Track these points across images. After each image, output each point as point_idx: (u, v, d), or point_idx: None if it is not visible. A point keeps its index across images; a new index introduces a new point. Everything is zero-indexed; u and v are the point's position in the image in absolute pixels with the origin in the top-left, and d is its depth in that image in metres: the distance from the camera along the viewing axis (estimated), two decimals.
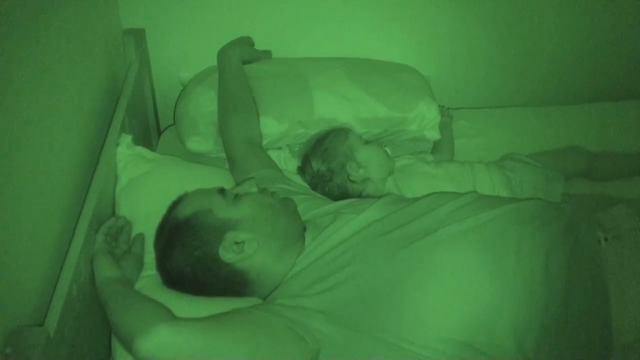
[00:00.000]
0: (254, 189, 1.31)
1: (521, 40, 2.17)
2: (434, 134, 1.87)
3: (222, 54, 1.77)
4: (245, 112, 1.69)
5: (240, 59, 1.77)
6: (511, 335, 1.11)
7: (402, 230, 1.25)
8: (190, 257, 1.22)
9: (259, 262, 1.24)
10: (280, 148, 1.84)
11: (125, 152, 1.53)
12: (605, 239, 1.28)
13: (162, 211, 1.31)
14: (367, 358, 1.11)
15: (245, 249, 1.22)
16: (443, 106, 1.98)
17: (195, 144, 1.76)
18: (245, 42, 1.85)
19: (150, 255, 1.34)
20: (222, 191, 1.28)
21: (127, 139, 1.54)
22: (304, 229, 1.34)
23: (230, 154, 1.64)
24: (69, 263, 1.17)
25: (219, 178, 1.57)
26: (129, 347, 1.02)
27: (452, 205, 1.30)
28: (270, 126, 1.75)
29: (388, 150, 1.75)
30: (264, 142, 1.76)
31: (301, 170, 1.71)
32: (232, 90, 1.71)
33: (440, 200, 1.33)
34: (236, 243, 1.21)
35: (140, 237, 1.40)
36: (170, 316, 1.08)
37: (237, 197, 1.27)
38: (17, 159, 1.05)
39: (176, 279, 1.26)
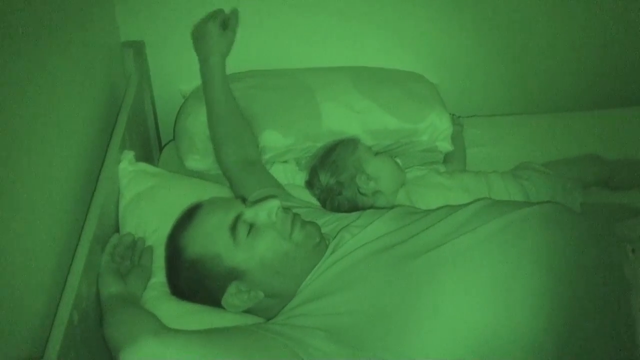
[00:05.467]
0: (274, 216, 1.20)
1: (532, 46, 2.11)
2: (446, 145, 1.82)
3: (204, 62, 1.64)
4: (236, 132, 1.62)
5: (223, 65, 1.64)
6: (528, 354, 1.04)
7: (408, 244, 1.18)
8: (195, 291, 1.22)
9: (264, 303, 1.21)
10: (286, 161, 1.79)
11: (128, 169, 1.48)
12: (633, 250, 1.21)
13: (169, 225, 1.27)
14: None
15: (251, 296, 1.18)
16: (453, 114, 1.92)
17: (193, 162, 1.73)
18: (218, 34, 1.60)
19: (159, 264, 1.32)
20: (236, 222, 1.18)
21: (129, 155, 1.50)
22: (325, 249, 1.26)
23: (227, 176, 1.59)
24: (69, 289, 1.10)
25: (223, 194, 1.52)
26: (116, 357, 1.01)
27: (460, 215, 1.23)
28: (276, 140, 1.70)
29: (399, 161, 1.70)
30: (269, 156, 1.72)
31: (309, 184, 1.66)
32: (219, 111, 1.62)
33: (450, 210, 1.27)
34: (241, 290, 1.18)
35: (149, 249, 1.36)
36: (160, 328, 1.08)
37: (251, 232, 1.17)
38: (16, 177, 0.99)
39: (183, 297, 1.24)
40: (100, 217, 1.27)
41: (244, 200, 1.25)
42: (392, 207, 1.40)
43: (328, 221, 1.37)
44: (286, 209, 1.24)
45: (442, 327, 1.05)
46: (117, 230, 1.44)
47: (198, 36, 1.63)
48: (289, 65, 1.91)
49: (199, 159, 1.72)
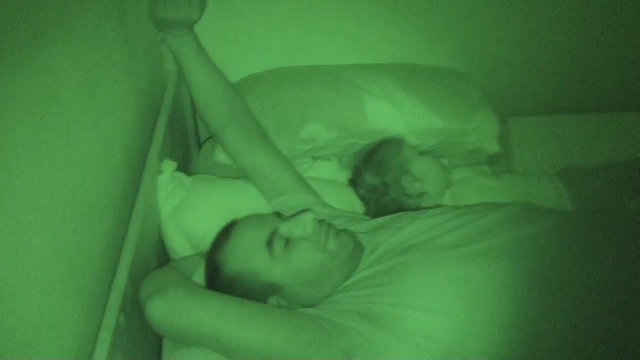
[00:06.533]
0: (309, 229, 1.18)
1: (578, 43, 2.05)
2: (494, 147, 1.78)
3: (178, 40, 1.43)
4: (229, 103, 1.48)
5: (196, 44, 1.45)
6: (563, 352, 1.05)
7: (445, 240, 1.20)
8: None
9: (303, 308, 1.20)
10: (329, 159, 1.76)
11: (168, 181, 1.46)
12: None
13: (215, 229, 1.30)
14: None
15: (290, 307, 1.19)
16: None
17: (221, 155, 1.69)
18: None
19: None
20: (272, 238, 1.17)
21: (171, 167, 1.46)
22: (361, 255, 1.25)
23: (251, 175, 1.49)
24: (116, 291, 1.08)
25: (252, 191, 1.50)
26: (143, 308, 1.06)
27: (498, 215, 1.24)
28: (319, 134, 1.68)
29: (445, 162, 1.68)
30: (310, 148, 1.70)
31: (353, 184, 1.63)
32: (201, 81, 1.46)
33: (488, 210, 1.27)
34: (281, 305, 1.18)
35: None
36: (192, 285, 1.12)
37: (287, 246, 1.17)
38: (57, 177, 0.96)
39: None
40: (143, 221, 1.25)
41: (279, 215, 1.26)
42: (434, 208, 1.37)
43: (364, 226, 1.36)
44: (321, 221, 1.24)
45: (484, 322, 1.07)
46: (160, 239, 1.45)
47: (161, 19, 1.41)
48: (316, 63, 1.88)
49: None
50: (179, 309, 1.02)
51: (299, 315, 1.10)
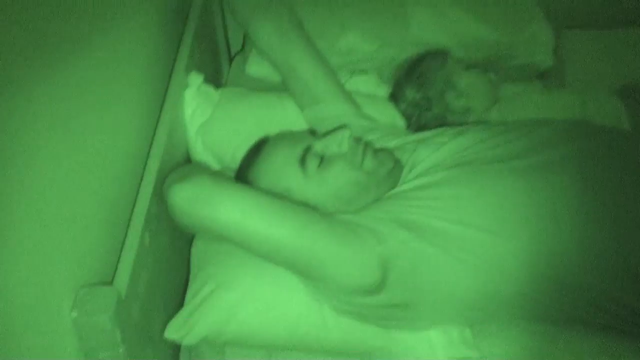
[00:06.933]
0: (345, 146, 1.12)
1: None
2: (547, 60, 1.68)
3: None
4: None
5: None
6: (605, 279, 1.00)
7: (495, 152, 1.13)
8: None
9: None
10: (367, 72, 1.66)
11: (194, 96, 1.39)
12: None
13: (245, 145, 1.27)
14: (447, 275, 1.01)
15: None
16: None
17: (253, 66, 1.63)
18: None
19: None
20: (305, 155, 1.12)
21: (198, 80, 1.39)
22: (400, 173, 1.19)
23: (290, 69, 1.40)
24: (139, 209, 1.02)
25: (284, 105, 1.45)
26: (165, 196, 1.00)
27: (550, 130, 1.17)
28: (358, 44, 1.59)
29: (492, 76, 1.57)
30: (348, 60, 1.61)
31: (394, 98, 1.55)
32: None
33: (538, 125, 1.20)
34: None
35: None
36: (217, 175, 1.06)
37: (322, 164, 1.11)
38: (79, 93, 0.88)
39: None
40: (168, 135, 1.19)
41: (312, 132, 1.20)
42: (479, 123, 1.30)
43: (403, 140, 1.29)
44: (357, 138, 1.19)
45: (529, 236, 1.01)
46: (187, 157, 1.41)
47: None
48: None
49: (257, 62, 1.62)
50: (203, 197, 0.96)
51: (335, 219, 1.04)
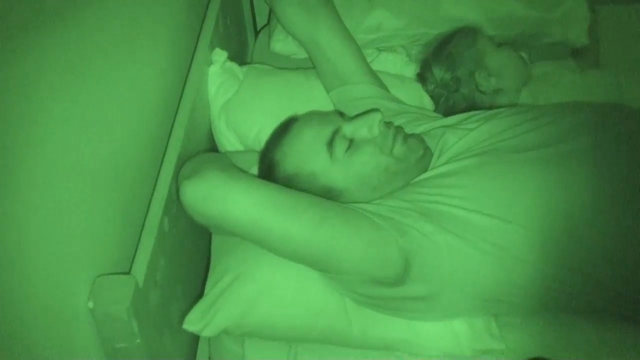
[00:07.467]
0: (375, 131, 1.09)
1: None
2: (582, 39, 1.63)
3: None
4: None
5: None
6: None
7: (521, 141, 1.09)
8: None
9: None
10: (395, 50, 1.63)
11: (218, 73, 1.37)
12: None
13: (270, 127, 1.24)
14: (469, 266, 0.99)
15: None
16: None
17: (278, 43, 1.60)
18: None
19: None
20: (333, 138, 1.08)
21: (222, 56, 1.37)
22: (430, 160, 1.16)
23: (317, 47, 1.38)
24: (159, 192, 1.00)
25: (312, 84, 1.43)
26: (178, 187, 0.97)
27: (580, 117, 1.12)
28: (385, 20, 1.56)
29: (524, 55, 1.54)
30: (375, 36, 1.58)
31: (421, 78, 1.51)
32: None
33: (569, 110, 1.16)
34: None
35: None
36: (230, 168, 1.04)
37: (350, 148, 1.08)
38: (101, 71, 0.87)
39: None
40: (190, 114, 1.17)
41: (341, 114, 1.17)
42: (507, 108, 1.26)
43: (431, 125, 1.26)
44: (388, 123, 1.15)
45: (556, 232, 0.99)
46: (210, 135, 1.39)
47: None
48: None
49: (282, 39, 1.59)
50: (215, 195, 0.93)
51: (355, 211, 1.01)
